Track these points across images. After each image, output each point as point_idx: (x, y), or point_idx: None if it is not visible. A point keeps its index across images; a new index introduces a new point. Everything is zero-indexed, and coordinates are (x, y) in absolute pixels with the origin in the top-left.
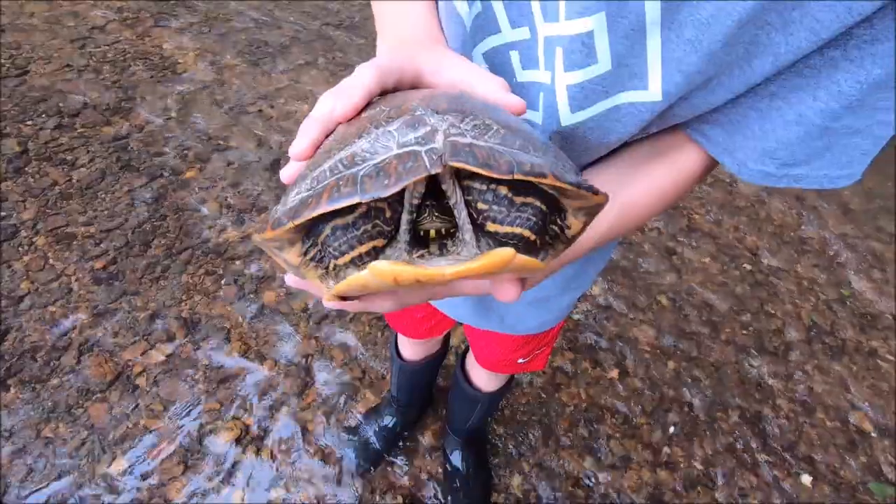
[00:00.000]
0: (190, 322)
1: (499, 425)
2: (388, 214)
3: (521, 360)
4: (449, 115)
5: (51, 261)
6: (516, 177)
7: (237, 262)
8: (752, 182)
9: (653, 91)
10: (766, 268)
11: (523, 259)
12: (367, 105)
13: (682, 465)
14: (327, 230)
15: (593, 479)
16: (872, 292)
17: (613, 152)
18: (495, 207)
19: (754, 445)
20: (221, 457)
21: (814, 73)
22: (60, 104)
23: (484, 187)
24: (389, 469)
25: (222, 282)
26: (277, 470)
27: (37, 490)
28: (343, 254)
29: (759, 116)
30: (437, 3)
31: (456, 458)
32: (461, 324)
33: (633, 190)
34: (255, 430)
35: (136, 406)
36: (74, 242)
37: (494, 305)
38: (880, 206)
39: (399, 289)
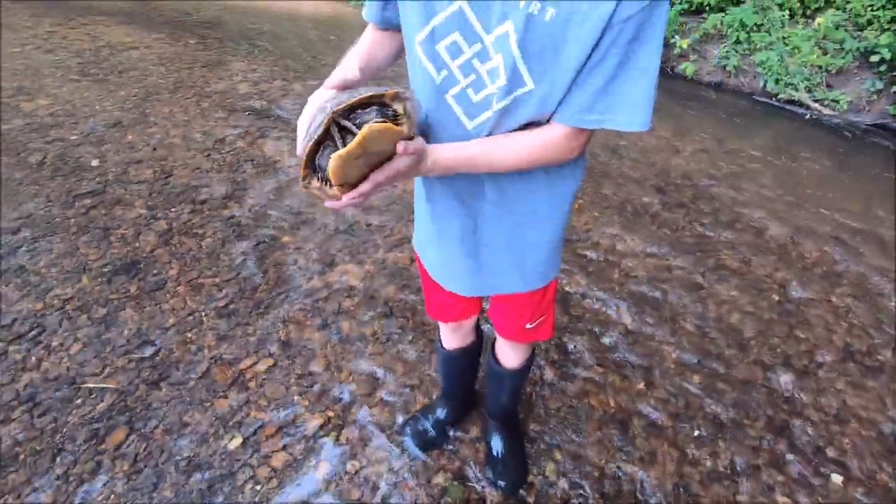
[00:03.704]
0: (286, 344)
1: (534, 423)
2: (334, 143)
3: (528, 326)
4: (332, 102)
5: (188, 302)
6: (356, 101)
7: (321, 302)
8: (581, 126)
9: (528, 86)
10: (796, 299)
11: (378, 126)
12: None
13: (707, 462)
14: (318, 161)
15: (622, 469)
16: None
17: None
18: (359, 120)
19: (781, 448)
20: (311, 437)
21: (589, 73)
22: (193, 196)
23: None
24: (442, 454)
25: (309, 315)
26: (353, 449)
27: (181, 459)
28: (327, 165)
29: (570, 97)
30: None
31: (496, 442)
32: (485, 315)
33: (500, 140)
34: (336, 419)
35: (248, 401)
36: (203, 290)
37: (485, 273)
38: None
39: (350, 164)
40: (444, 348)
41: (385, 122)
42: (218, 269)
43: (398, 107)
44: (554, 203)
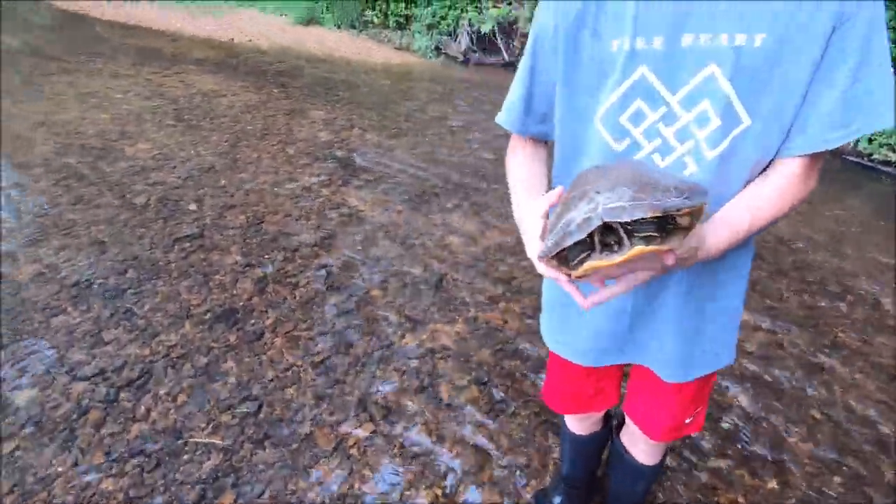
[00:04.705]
0: (385, 407)
1: None
2: (587, 240)
3: (688, 420)
4: (605, 192)
5: (285, 356)
6: (647, 218)
7: (416, 361)
8: (825, 148)
9: (745, 122)
10: None
11: (647, 248)
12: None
13: None
14: (567, 251)
15: None
16: None
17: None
18: (632, 227)
19: None
20: None
21: (822, 87)
22: (284, 243)
23: (628, 219)
24: None
25: (405, 377)
26: None
27: None
28: (575, 258)
29: (805, 119)
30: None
31: None
32: (617, 407)
33: (751, 200)
34: (443, 499)
35: (352, 471)
36: (300, 342)
37: (646, 341)
38: None
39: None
40: (569, 430)
41: (657, 240)
42: (312, 322)
43: (682, 220)
44: (739, 265)
